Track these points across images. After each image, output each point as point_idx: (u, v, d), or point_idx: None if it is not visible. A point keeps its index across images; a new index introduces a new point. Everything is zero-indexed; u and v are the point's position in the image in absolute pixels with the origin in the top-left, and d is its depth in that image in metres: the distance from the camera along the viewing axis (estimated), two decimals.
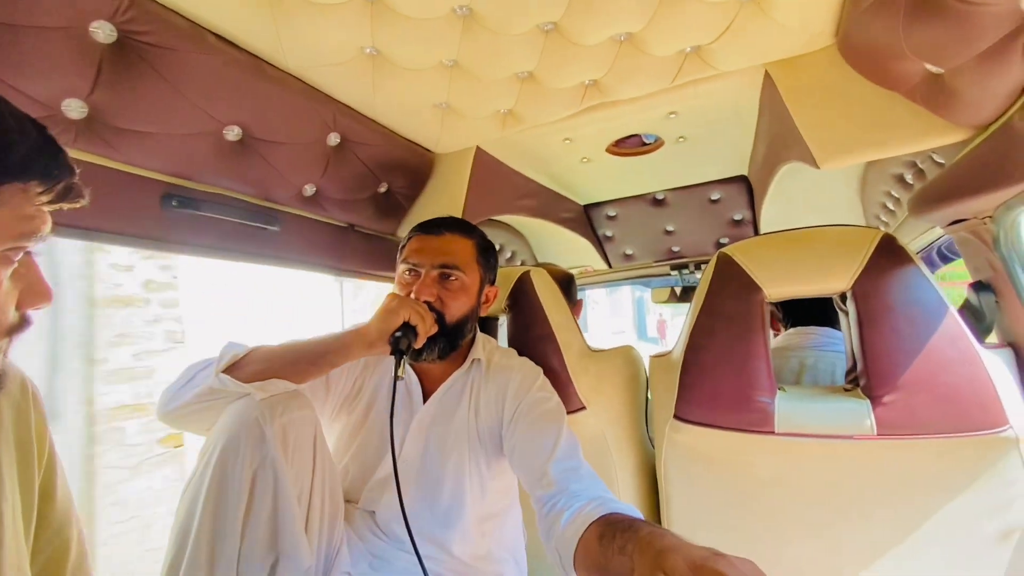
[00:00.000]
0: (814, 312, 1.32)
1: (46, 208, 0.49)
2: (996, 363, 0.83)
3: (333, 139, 1.03)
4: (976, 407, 0.80)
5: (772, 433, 0.90)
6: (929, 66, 0.75)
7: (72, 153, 0.76)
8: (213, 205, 0.93)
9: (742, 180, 1.59)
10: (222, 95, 0.83)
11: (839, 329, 1.32)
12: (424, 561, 0.85)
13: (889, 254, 0.86)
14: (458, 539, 0.93)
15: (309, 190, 1.07)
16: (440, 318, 0.93)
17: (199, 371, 0.82)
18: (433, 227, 1.00)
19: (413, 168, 1.24)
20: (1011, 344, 0.89)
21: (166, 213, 0.87)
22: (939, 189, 0.93)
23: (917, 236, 1.40)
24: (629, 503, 1.10)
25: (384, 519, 0.93)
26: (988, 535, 0.81)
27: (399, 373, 0.84)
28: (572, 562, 0.68)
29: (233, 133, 0.89)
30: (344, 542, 0.88)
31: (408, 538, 0.74)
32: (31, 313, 0.51)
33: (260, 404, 0.76)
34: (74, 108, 0.72)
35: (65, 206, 0.51)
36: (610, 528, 0.62)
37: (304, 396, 0.82)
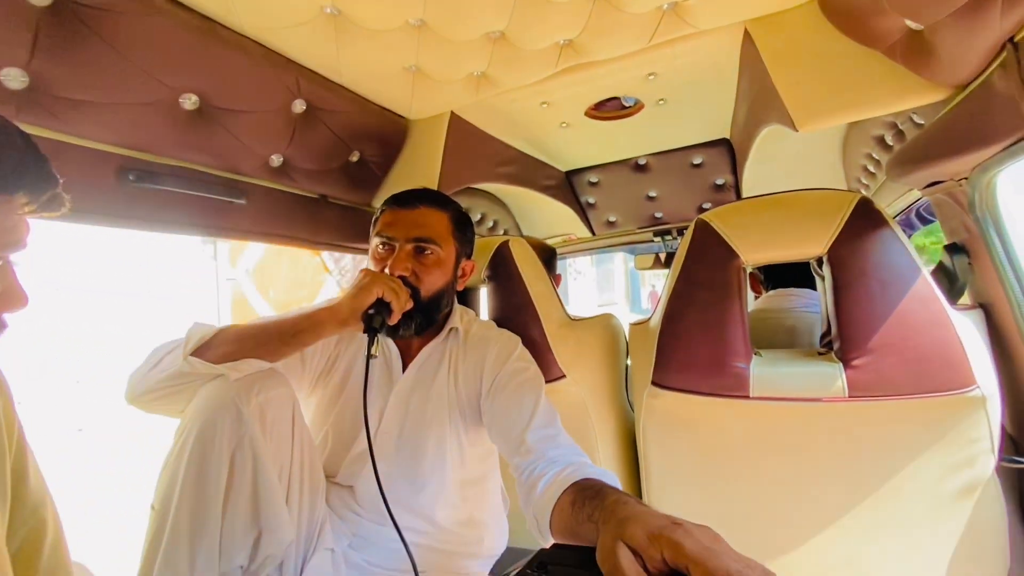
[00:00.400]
0: (795, 275, 1.33)
1: (28, 217, 0.48)
2: (966, 325, 0.84)
3: (298, 106, 0.98)
4: (945, 368, 0.82)
5: (747, 397, 0.91)
6: (909, 22, 0.73)
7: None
8: (174, 179, 0.90)
9: (724, 143, 1.57)
10: (174, 61, 0.79)
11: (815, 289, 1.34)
12: (405, 531, 0.86)
13: (865, 218, 0.86)
14: (439, 506, 0.95)
15: (276, 160, 1.04)
16: (415, 293, 0.92)
17: (166, 354, 0.80)
18: (407, 200, 0.97)
19: (386, 136, 1.20)
20: (982, 305, 0.90)
21: (124, 188, 0.83)
22: (916, 151, 0.92)
23: (897, 198, 1.40)
24: (609, 468, 1.13)
25: (363, 494, 0.93)
26: (951, 490, 0.84)
27: (372, 351, 0.82)
28: (548, 526, 0.69)
29: (190, 102, 0.85)
30: (327, 519, 0.89)
31: (388, 512, 0.75)
32: (6, 316, 0.51)
33: (236, 384, 0.75)
34: (13, 78, 0.68)
35: (46, 215, 0.50)
36: (581, 494, 0.62)
37: (280, 374, 0.81)
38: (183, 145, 0.88)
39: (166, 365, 0.79)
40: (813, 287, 1.34)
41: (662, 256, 2.07)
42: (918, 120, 1.03)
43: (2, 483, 0.56)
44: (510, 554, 1.07)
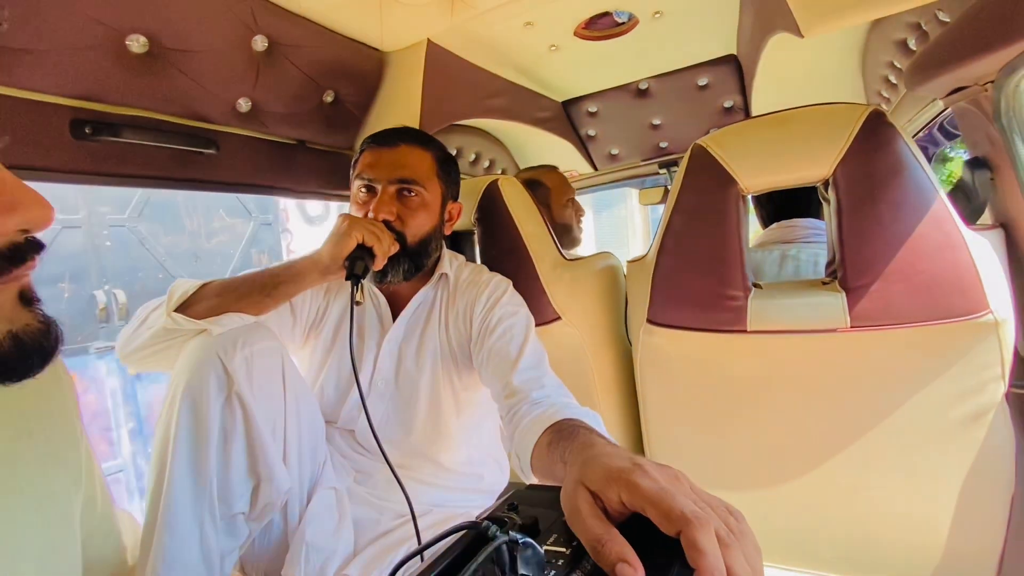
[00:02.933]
0: (798, 205, 1.26)
1: None
2: (983, 246, 0.78)
3: (259, 43, 0.91)
4: (956, 293, 0.77)
5: (744, 332, 0.88)
6: None
7: None
8: (135, 130, 0.85)
9: (732, 60, 1.44)
10: None
11: (822, 219, 1.27)
12: (405, 470, 0.88)
13: (876, 133, 0.78)
14: (438, 448, 0.96)
15: (244, 105, 0.98)
16: (401, 238, 0.89)
17: (151, 312, 0.80)
18: (387, 138, 0.93)
19: (360, 71, 1.12)
20: (1002, 225, 0.83)
21: (80, 142, 0.80)
22: (937, 52, 0.82)
23: (919, 111, 1.28)
24: (608, 409, 1.12)
25: (363, 436, 0.95)
26: (959, 417, 0.81)
27: (356, 298, 0.81)
28: (529, 466, 0.70)
29: (138, 44, 0.79)
30: (328, 459, 0.91)
31: (383, 455, 0.76)
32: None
33: (219, 339, 0.74)
34: None
35: None
36: (557, 435, 0.62)
37: (265, 327, 0.80)
38: (138, 92, 0.83)
39: (151, 322, 0.79)
40: (817, 217, 1.27)
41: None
42: (944, 18, 0.92)
43: (77, 470, 0.57)
44: (512, 489, 1.09)
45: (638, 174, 1.95)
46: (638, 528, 0.36)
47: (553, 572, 0.34)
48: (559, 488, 0.49)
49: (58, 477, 0.53)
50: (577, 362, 1.14)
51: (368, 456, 0.96)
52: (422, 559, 0.40)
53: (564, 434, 0.58)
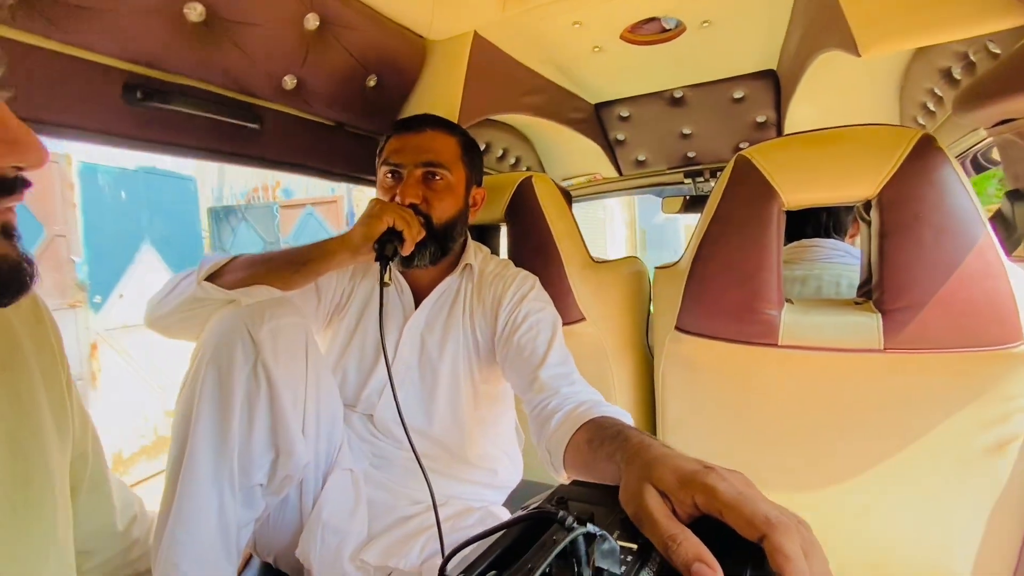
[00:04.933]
0: (815, 225, 1.26)
1: None
2: (1021, 278, 0.78)
3: (311, 21, 0.91)
4: (992, 322, 0.77)
5: (775, 345, 0.88)
6: None
7: (13, 35, 0.68)
8: (184, 98, 0.85)
9: (770, 76, 1.44)
10: None
11: (841, 240, 1.27)
12: (424, 459, 0.88)
13: (926, 157, 0.78)
14: (454, 439, 0.96)
15: (290, 82, 0.98)
16: (427, 221, 0.90)
17: (182, 279, 0.81)
18: (412, 124, 0.94)
19: (404, 58, 1.12)
20: None
21: (130, 106, 0.80)
22: (990, 83, 0.82)
23: (956, 140, 1.28)
24: (625, 409, 1.13)
25: (382, 421, 0.95)
26: (981, 447, 0.81)
27: (385, 279, 0.81)
28: (562, 462, 0.69)
29: (196, 12, 0.79)
30: (346, 442, 0.91)
31: (406, 437, 0.76)
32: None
33: (247, 310, 0.74)
34: None
35: None
36: (599, 432, 0.61)
37: (292, 303, 0.80)
38: (191, 61, 0.83)
39: (181, 290, 0.79)
40: (833, 237, 1.27)
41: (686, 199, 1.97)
42: (994, 50, 0.92)
43: (63, 411, 0.57)
44: (524, 486, 1.09)
45: (663, 182, 1.95)
46: (706, 531, 0.36)
47: (623, 568, 0.34)
48: (607, 486, 0.49)
49: (34, 416, 0.53)
50: (597, 364, 1.14)
51: (386, 441, 0.96)
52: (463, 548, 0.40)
53: (610, 433, 0.58)
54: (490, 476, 1.01)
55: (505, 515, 0.91)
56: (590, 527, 0.33)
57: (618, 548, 0.34)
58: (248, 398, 0.72)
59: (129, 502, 0.75)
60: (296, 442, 0.76)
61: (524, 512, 0.38)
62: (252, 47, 0.87)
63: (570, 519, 0.34)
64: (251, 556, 0.93)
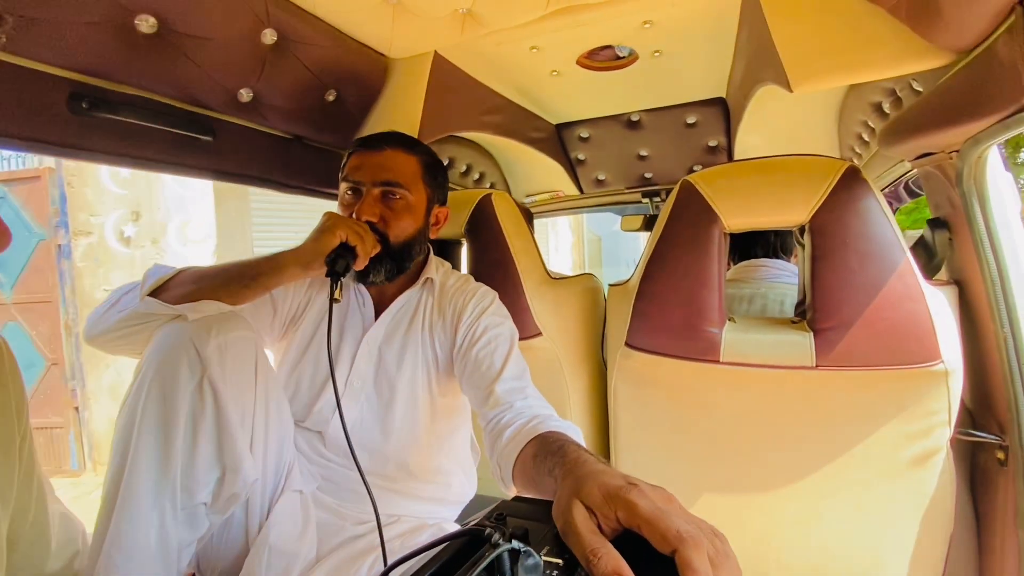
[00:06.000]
0: (764, 246, 1.33)
1: None
2: (939, 300, 0.84)
3: (268, 36, 0.92)
4: (913, 341, 0.82)
5: (717, 362, 0.92)
6: None
7: None
8: (134, 109, 0.84)
9: (720, 103, 1.52)
10: None
11: (787, 261, 1.34)
12: (374, 476, 0.87)
13: (851, 187, 0.84)
14: (408, 455, 0.96)
15: (246, 95, 0.97)
16: (384, 239, 0.90)
17: (124, 294, 0.79)
18: (373, 143, 0.95)
19: (364, 74, 1.13)
20: (956, 282, 0.90)
21: (77, 116, 0.78)
22: (910, 119, 0.89)
23: (887, 169, 1.38)
24: (580, 423, 1.15)
25: (332, 439, 0.94)
26: (905, 459, 0.87)
27: (335, 295, 0.81)
28: (511, 477, 0.71)
29: (147, 24, 0.78)
30: (295, 462, 0.90)
31: (353, 458, 0.75)
32: None
33: (193, 324, 0.73)
34: None
35: None
36: (543, 448, 0.63)
37: (241, 317, 0.79)
38: (141, 72, 0.82)
39: (123, 305, 0.77)
40: (781, 258, 1.34)
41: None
42: (918, 87, 1.00)
43: (8, 483, 0.56)
44: (478, 501, 1.10)
45: (621, 201, 2.01)
46: (628, 545, 0.38)
47: None
48: (546, 502, 0.51)
49: None
50: (553, 378, 1.17)
51: (335, 461, 0.95)
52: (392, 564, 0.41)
53: (551, 448, 0.59)
54: (444, 491, 1.01)
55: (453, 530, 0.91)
56: (514, 544, 0.35)
57: (542, 564, 0.36)
58: (193, 415, 0.71)
59: (72, 537, 0.73)
60: (243, 459, 0.75)
61: (460, 529, 0.39)
62: (206, 60, 0.87)
63: (496, 536, 0.35)
64: None
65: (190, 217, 3.82)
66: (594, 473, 0.45)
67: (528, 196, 2.06)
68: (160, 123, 0.87)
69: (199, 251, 3.81)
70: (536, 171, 1.89)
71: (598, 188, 1.94)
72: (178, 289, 0.78)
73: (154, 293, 0.77)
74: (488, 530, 0.36)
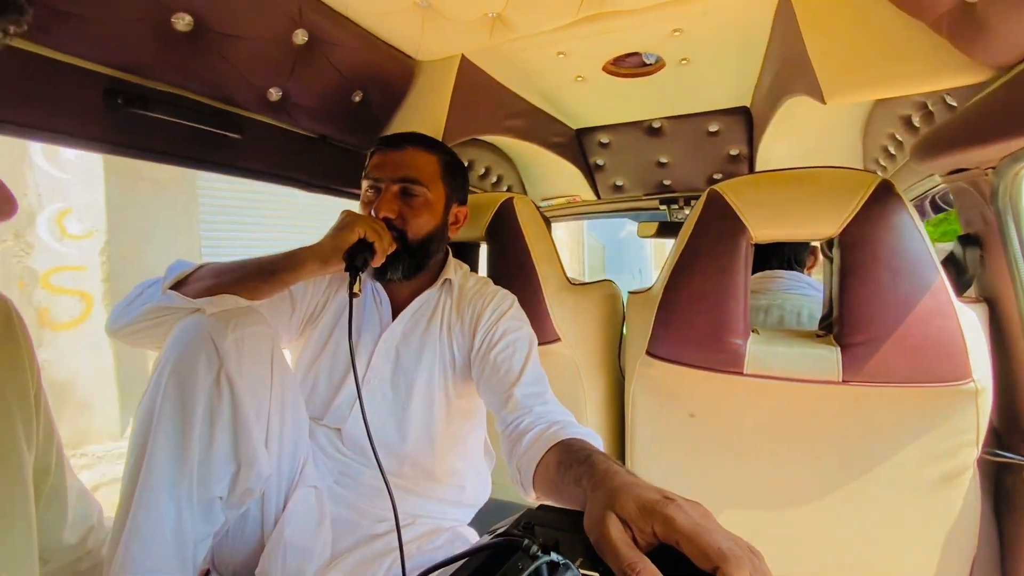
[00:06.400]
0: (780, 257, 1.32)
1: None
2: (970, 318, 0.83)
3: (300, 36, 0.92)
4: (943, 360, 0.81)
5: (740, 374, 0.91)
6: None
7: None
8: (166, 105, 0.85)
9: (743, 112, 1.51)
10: None
11: (802, 272, 1.33)
12: (389, 475, 0.87)
13: (883, 202, 0.83)
14: (423, 456, 0.96)
15: (275, 94, 0.98)
16: (402, 236, 0.91)
17: (146, 288, 0.79)
18: (394, 141, 0.96)
19: (391, 76, 1.14)
20: (987, 300, 0.88)
21: (111, 111, 0.79)
22: (946, 134, 0.88)
23: (914, 183, 1.36)
24: (596, 431, 1.14)
25: (350, 435, 0.94)
26: (933, 477, 0.86)
27: (355, 290, 0.81)
28: (531, 482, 0.70)
29: (183, 22, 0.79)
30: (310, 457, 0.90)
31: (373, 453, 0.75)
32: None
33: (212, 319, 0.73)
34: None
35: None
36: (568, 456, 0.62)
37: (258, 312, 0.79)
38: (175, 69, 0.83)
39: (146, 298, 0.78)
40: (795, 269, 1.33)
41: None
42: (951, 102, 0.99)
43: (30, 426, 0.56)
44: (492, 504, 1.09)
45: (639, 207, 2.00)
46: (663, 560, 0.38)
47: None
48: (573, 512, 0.50)
49: (6, 424, 0.53)
50: (571, 385, 1.16)
51: (352, 457, 0.95)
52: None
53: (577, 456, 0.59)
54: (458, 493, 1.01)
55: (473, 536, 0.90)
56: (553, 556, 0.34)
57: None
58: (210, 409, 0.71)
59: (87, 513, 0.73)
60: (259, 454, 0.75)
61: (491, 538, 0.39)
62: (238, 59, 0.88)
63: (535, 547, 0.35)
64: (208, 572, 0.91)
65: (70, 205, 3.12)
66: (628, 485, 0.44)
67: (544, 200, 2.06)
68: (191, 120, 0.88)
69: (82, 248, 3.19)
70: (554, 175, 1.89)
71: (615, 194, 1.94)
72: (198, 283, 0.79)
73: (175, 287, 0.78)
74: (525, 541, 0.36)
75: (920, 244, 0.82)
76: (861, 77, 0.83)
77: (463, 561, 0.38)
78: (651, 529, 0.39)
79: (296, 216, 5.32)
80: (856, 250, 0.84)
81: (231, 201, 4.69)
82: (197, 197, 3.96)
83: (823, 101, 0.84)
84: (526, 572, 0.33)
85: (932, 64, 0.79)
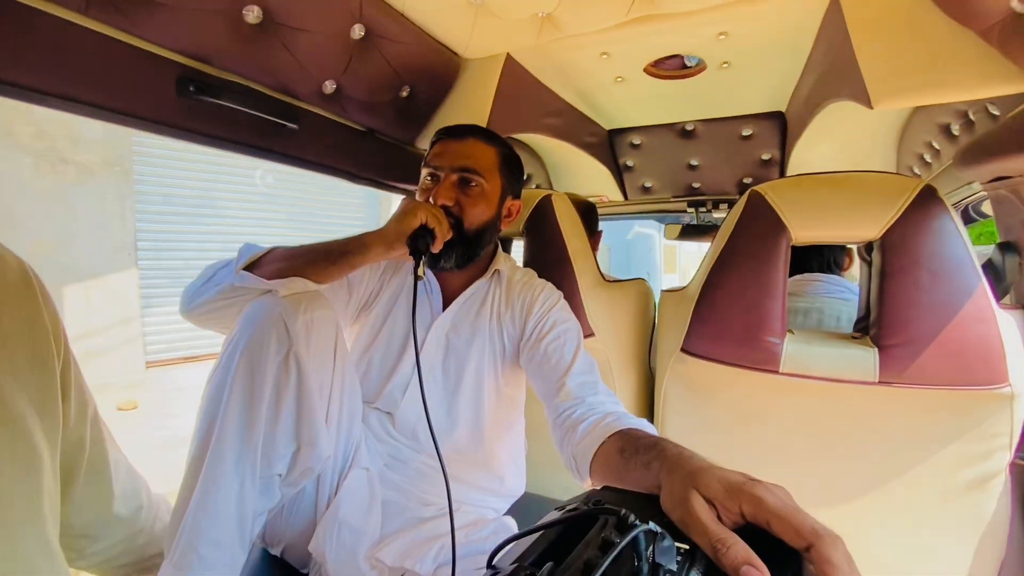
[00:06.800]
0: (820, 260, 1.33)
1: None
2: (1009, 323, 0.84)
3: (358, 31, 0.95)
4: (981, 363, 0.82)
5: (776, 372, 0.92)
6: (1016, 2, 0.69)
7: (84, 23, 0.71)
8: (233, 94, 0.88)
9: (778, 117, 1.52)
10: None
11: (841, 276, 1.34)
12: (435, 460, 0.89)
13: (927, 206, 0.84)
14: (471, 441, 0.98)
15: (330, 87, 1.02)
16: (458, 224, 0.93)
17: (219, 269, 0.82)
18: (456, 131, 0.98)
19: (438, 72, 1.17)
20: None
21: (183, 98, 0.82)
22: (991, 141, 0.89)
23: (950, 192, 1.36)
24: None
25: (402, 420, 0.97)
26: (962, 481, 0.86)
27: (419, 272, 0.83)
28: (588, 469, 0.71)
29: (253, 14, 0.82)
30: (363, 441, 0.92)
31: (426, 436, 0.77)
32: None
33: (283, 300, 0.76)
34: None
35: None
36: (631, 443, 0.63)
37: (324, 297, 0.82)
38: (244, 60, 0.86)
39: (219, 279, 0.81)
40: (834, 272, 1.34)
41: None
42: (994, 111, 0.99)
43: (51, 398, 0.54)
44: (527, 499, 1.11)
45: (666, 210, 2.02)
46: (748, 539, 0.38)
47: (675, 566, 0.37)
48: (639, 493, 0.51)
49: (19, 396, 0.49)
50: (603, 379, 1.18)
51: (403, 442, 0.97)
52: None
53: (644, 443, 0.60)
54: (497, 483, 1.03)
55: (515, 528, 0.92)
56: (651, 525, 0.36)
57: (674, 547, 0.37)
58: (277, 388, 0.74)
59: (136, 489, 0.75)
60: (320, 435, 0.78)
61: (583, 508, 0.41)
62: (300, 51, 0.91)
63: (632, 517, 0.37)
64: (253, 546, 0.94)
65: None
66: (708, 467, 0.45)
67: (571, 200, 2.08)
68: (254, 108, 0.91)
69: None
70: (583, 175, 1.91)
71: (643, 195, 1.95)
72: (270, 266, 0.81)
73: (246, 269, 0.81)
74: (623, 511, 0.37)
75: (962, 249, 0.83)
76: (909, 83, 0.84)
77: (556, 528, 0.40)
78: (738, 509, 0.40)
79: (258, 206, 4.82)
80: (897, 253, 0.85)
81: (177, 189, 4.13)
82: (133, 184, 3.50)
83: (870, 106, 0.85)
84: (628, 537, 0.34)
85: (980, 72, 0.80)
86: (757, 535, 0.39)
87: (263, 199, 4.94)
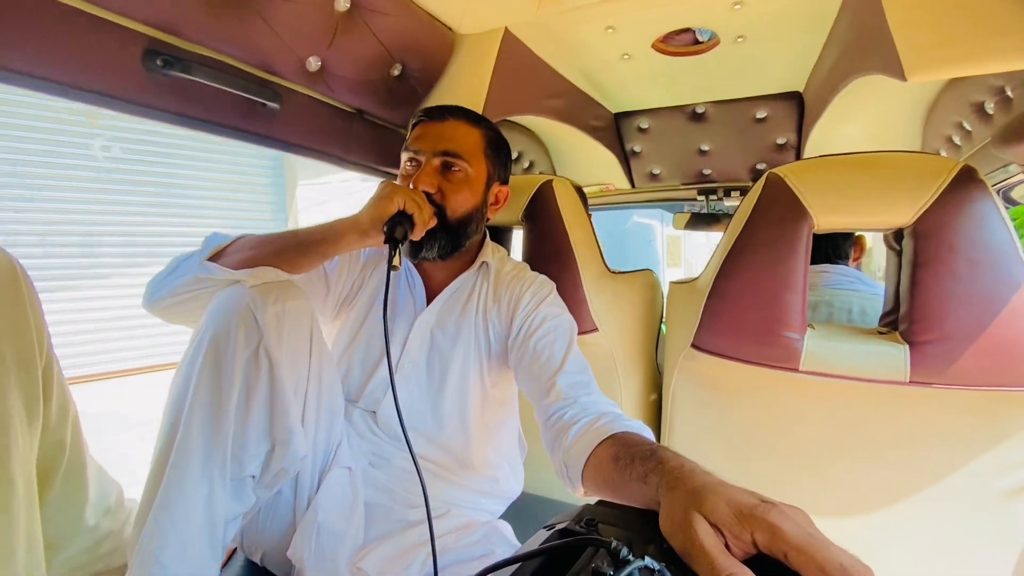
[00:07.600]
0: (818, 249, 1.25)
1: None
2: None
3: (342, 3, 0.89)
4: (1022, 362, 0.75)
5: (796, 370, 0.85)
6: None
7: None
8: (205, 69, 0.82)
9: (795, 98, 1.43)
10: None
11: (846, 265, 1.26)
12: (423, 461, 0.84)
13: (966, 189, 0.76)
14: (457, 442, 0.93)
15: (314, 64, 0.95)
16: (440, 212, 0.87)
17: (183, 261, 0.77)
18: (437, 113, 0.91)
19: (431, 49, 1.09)
20: None
21: (150, 74, 0.76)
22: None
23: (985, 174, 1.28)
24: None
25: (385, 419, 0.92)
26: (997, 489, 0.80)
27: (395, 262, 0.77)
28: (580, 477, 0.66)
29: None
30: (345, 438, 0.87)
31: (404, 435, 0.72)
32: None
33: (252, 291, 0.70)
34: None
35: None
36: (626, 450, 0.58)
37: (298, 287, 0.76)
38: (217, 32, 0.80)
39: (183, 270, 0.75)
40: (836, 262, 1.26)
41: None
42: None
43: (34, 398, 0.53)
44: (525, 499, 1.06)
45: (675, 198, 1.94)
46: (759, 570, 0.33)
47: None
48: (640, 510, 0.46)
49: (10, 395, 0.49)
50: (607, 377, 1.12)
51: (387, 441, 0.92)
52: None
53: (640, 452, 0.55)
54: (491, 484, 0.98)
55: (510, 532, 0.87)
56: (648, 561, 0.30)
57: None
58: (247, 383, 0.68)
59: (106, 492, 0.71)
60: (294, 433, 0.72)
61: (573, 528, 0.35)
62: (280, 24, 0.84)
63: (624, 549, 0.31)
64: (234, 552, 0.89)
65: None
66: (714, 485, 0.40)
67: (576, 187, 2.00)
68: (231, 86, 0.85)
69: None
70: (588, 162, 1.83)
71: (651, 182, 1.87)
72: (236, 255, 0.76)
73: (212, 259, 0.75)
74: (615, 543, 0.32)
75: (1005, 236, 0.75)
76: (947, 52, 0.76)
77: (536, 559, 0.34)
78: (749, 537, 0.35)
79: (101, 186, 3.88)
80: (932, 240, 0.78)
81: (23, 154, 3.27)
82: None
83: (903, 78, 0.77)
84: (624, 573, 0.29)
85: (1021, 41, 0.72)
86: (771, 567, 0.33)
87: (108, 177, 3.94)
